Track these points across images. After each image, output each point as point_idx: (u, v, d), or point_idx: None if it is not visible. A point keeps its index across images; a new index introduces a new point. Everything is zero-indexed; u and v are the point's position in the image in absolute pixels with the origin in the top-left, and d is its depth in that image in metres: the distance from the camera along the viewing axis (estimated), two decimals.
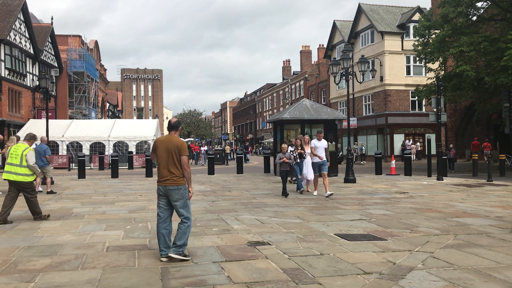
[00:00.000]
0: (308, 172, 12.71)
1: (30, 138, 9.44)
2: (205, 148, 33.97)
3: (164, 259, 5.36)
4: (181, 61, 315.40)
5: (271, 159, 22.07)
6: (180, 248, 5.37)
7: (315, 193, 12.31)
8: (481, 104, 25.38)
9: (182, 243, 5.39)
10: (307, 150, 12.69)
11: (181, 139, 5.83)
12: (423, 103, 33.74)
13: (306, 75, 56.47)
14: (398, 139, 35.50)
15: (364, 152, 35.33)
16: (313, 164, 12.23)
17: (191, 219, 5.52)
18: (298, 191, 12.57)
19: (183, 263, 5.27)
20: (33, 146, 11.72)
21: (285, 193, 11.76)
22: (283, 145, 12.21)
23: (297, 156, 12.42)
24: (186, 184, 5.54)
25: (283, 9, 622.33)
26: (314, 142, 12.30)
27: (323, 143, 12.30)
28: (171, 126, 5.71)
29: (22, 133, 28.22)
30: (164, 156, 5.46)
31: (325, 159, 12.10)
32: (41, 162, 12.42)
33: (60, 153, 28.03)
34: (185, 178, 5.52)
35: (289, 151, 12.23)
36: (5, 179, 8.23)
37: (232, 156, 40.14)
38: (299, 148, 12.70)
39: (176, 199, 5.45)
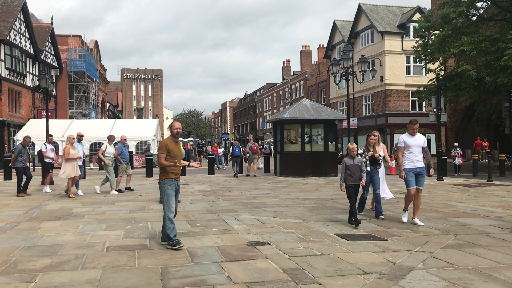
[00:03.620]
0: (384, 188, 9.03)
1: (108, 138, 13.06)
2: (222, 149, 30.31)
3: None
4: (184, 61, 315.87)
5: (271, 159, 22.10)
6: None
7: (405, 219, 7.92)
8: (481, 104, 25.38)
9: (163, 235, 6.25)
10: (381, 153, 8.79)
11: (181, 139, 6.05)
12: (423, 103, 33.73)
13: (306, 75, 56.47)
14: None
15: None
16: (407, 172, 7.68)
17: (165, 211, 6.14)
18: (379, 218, 8.26)
19: (183, 263, 5.27)
20: (75, 144, 12.56)
21: (355, 221, 7.46)
22: (350, 146, 7.83)
23: (368, 161, 8.46)
24: (165, 179, 6.19)
25: (287, 8, 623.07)
26: (404, 138, 7.82)
27: (419, 139, 7.80)
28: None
29: (21, 133, 28.25)
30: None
31: (423, 165, 7.71)
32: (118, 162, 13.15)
33: (60, 153, 28.00)
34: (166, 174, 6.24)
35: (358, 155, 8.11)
36: None
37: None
38: (371, 149, 8.65)
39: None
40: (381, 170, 8.75)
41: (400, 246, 6.09)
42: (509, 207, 9.83)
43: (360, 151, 8.44)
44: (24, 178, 12.46)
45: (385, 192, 9.07)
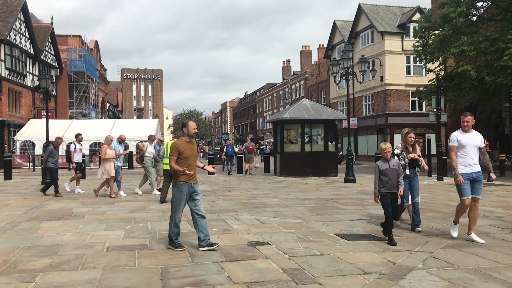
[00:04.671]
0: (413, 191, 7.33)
1: (148, 138, 12.95)
2: (236, 149, 27.67)
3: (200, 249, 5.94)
4: (185, 61, 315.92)
5: (271, 159, 22.11)
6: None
7: (455, 233, 6.65)
8: (483, 104, 25.38)
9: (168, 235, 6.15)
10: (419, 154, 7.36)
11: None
12: (423, 103, 33.74)
13: (306, 75, 56.46)
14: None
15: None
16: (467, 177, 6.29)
17: (172, 215, 6.03)
18: (415, 230, 7.09)
19: (183, 263, 5.28)
20: (113, 144, 12.50)
21: (390, 239, 6.20)
22: (383, 146, 6.58)
23: (407, 164, 7.17)
24: (176, 182, 6.00)
25: (288, 8, 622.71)
26: (458, 135, 6.42)
27: (476, 137, 6.42)
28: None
29: (21, 133, 28.26)
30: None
31: (479, 169, 6.44)
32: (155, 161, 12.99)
33: (60, 153, 27.99)
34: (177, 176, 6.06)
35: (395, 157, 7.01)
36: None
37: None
38: (410, 149, 7.26)
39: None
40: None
41: (400, 246, 6.09)
42: (509, 207, 9.83)
43: (397, 151, 7.20)
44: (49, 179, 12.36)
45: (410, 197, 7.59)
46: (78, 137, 13.83)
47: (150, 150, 12.72)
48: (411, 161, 7.19)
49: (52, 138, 25.66)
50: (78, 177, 13.46)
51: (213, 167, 7.11)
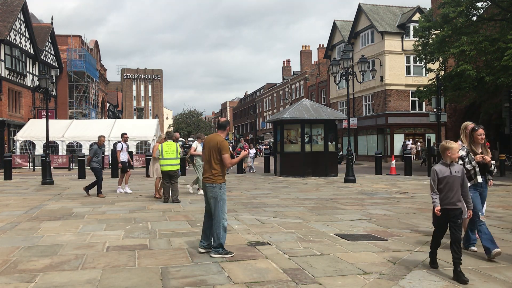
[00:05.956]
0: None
1: (198, 137, 12.65)
2: (254, 150, 25.53)
3: (201, 250, 5.70)
4: (186, 61, 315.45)
5: (271, 159, 22.10)
6: (217, 249, 5.58)
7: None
8: (484, 104, 25.36)
9: (217, 245, 5.58)
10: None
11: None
12: (423, 103, 33.74)
13: (306, 75, 56.47)
14: (398, 139, 35.50)
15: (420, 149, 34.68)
16: None
17: (221, 217, 5.60)
18: (469, 249, 5.76)
19: (183, 263, 5.28)
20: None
21: (458, 275, 4.60)
22: (449, 144, 4.91)
23: (476, 170, 5.60)
24: (223, 183, 5.71)
25: (291, 8, 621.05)
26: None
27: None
28: (219, 125, 6.02)
29: (21, 133, 28.26)
30: (208, 154, 5.77)
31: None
32: None
33: (60, 153, 28.03)
34: (223, 177, 5.74)
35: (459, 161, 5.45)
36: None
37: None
38: (479, 150, 5.63)
39: (210, 196, 5.67)
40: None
41: (400, 246, 6.09)
42: (509, 207, 9.82)
43: (462, 152, 5.56)
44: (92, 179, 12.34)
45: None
46: (124, 136, 13.46)
47: (200, 149, 12.52)
48: (482, 165, 5.57)
49: (52, 138, 25.77)
50: (128, 176, 13.34)
51: None
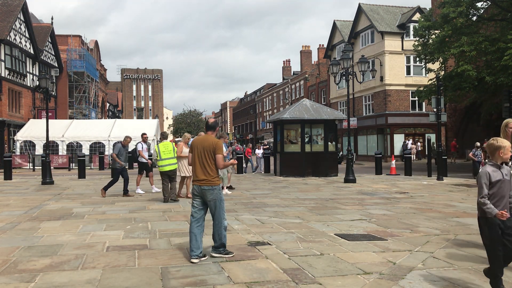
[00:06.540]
0: None
1: (221, 136, 12.02)
2: (261, 151, 23.95)
3: (194, 260, 5.31)
4: (187, 61, 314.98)
5: (271, 159, 22.10)
6: (218, 249, 5.54)
7: None
8: (485, 104, 25.38)
9: (219, 244, 5.53)
10: None
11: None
12: (423, 103, 33.74)
13: (306, 75, 56.48)
14: (398, 139, 35.51)
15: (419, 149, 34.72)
16: None
17: (222, 217, 5.55)
18: None
19: (183, 263, 5.28)
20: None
21: None
22: (501, 143, 4.13)
23: None
24: (221, 184, 5.65)
25: (291, 8, 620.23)
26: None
27: None
28: (208, 127, 5.86)
29: (21, 133, 28.26)
30: (201, 156, 5.58)
31: None
32: None
33: (60, 153, 28.04)
34: (218, 177, 5.65)
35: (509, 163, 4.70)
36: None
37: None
38: None
39: (211, 199, 5.54)
40: None
41: (400, 246, 6.09)
42: None
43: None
44: (111, 180, 12.24)
45: None
46: (143, 136, 13.43)
47: (224, 149, 12.47)
48: None
49: (52, 138, 25.76)
50: (151, 176, 13.37)
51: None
